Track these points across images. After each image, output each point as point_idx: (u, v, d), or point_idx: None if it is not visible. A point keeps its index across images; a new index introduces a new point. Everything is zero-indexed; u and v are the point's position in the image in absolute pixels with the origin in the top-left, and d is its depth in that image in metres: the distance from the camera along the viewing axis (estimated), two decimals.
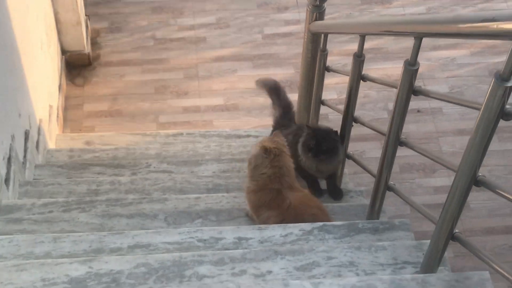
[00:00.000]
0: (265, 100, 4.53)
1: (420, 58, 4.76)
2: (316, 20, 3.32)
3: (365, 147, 4.28)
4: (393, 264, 2.30)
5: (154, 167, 3.71)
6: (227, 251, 2.34)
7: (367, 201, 3.26)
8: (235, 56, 4.76)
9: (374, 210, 2.75)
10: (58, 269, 2.26)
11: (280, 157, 2.83)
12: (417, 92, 2.33)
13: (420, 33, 2.17)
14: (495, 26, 1.63)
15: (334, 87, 4.51)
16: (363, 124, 3.09)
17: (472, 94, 4.54)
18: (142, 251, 2.53)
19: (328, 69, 3.52)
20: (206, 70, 4.67)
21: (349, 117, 3.10)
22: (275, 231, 2.60)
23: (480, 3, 5.08)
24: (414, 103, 4.50)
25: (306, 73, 3.61)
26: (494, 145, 4.33)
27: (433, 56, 4.70)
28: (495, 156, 4.28)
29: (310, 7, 3.25)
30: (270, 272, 2.27)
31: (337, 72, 3.53)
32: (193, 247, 2.55)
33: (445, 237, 2.05)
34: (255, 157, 2.86)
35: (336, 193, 3.34)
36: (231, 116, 4.47)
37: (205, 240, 2.57)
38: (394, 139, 2.48)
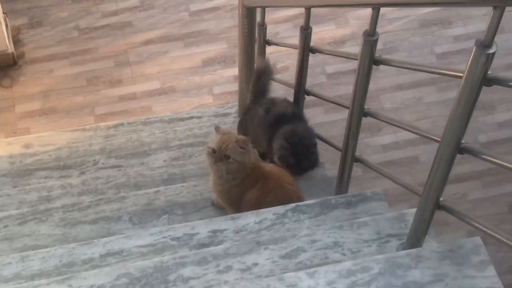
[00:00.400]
0: (201, 78, 4.45)
1: (351, 18, 4.72)
2: None
3: (309, 114, 4.24)
4: (377, 239, 2.28)
5: (103, 164, 3.59)
6: (208, 248, 2.27)
7: (329, 173, 3.23)
8: (164, 37, 4.63)
9: (343, 183, 2.71)
10: None
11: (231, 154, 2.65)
12: (378, 62, 2.29)
13: (379, 4, 2.12)
14: None
15: (270, 57, 4.43)
16: (316, 95, 3.05)
17: (406, 47, 4.54)
18: (116, 258, 2.43)
19: (269, 43, 3.46)
20: (136, 55, 4.54)
21: (301, 91, 3.05)
22: (249, 219, 2.55)
23: None
24: (350, 64, 4.49)
25: (245, 48, 3.54)
26: (434, 96, 4.36)
27: (362, 14, 4.68)
28: (437, 106, 4.30)
29: None
30: (256, 264, 2.22)
31: (279, 45, 3.47)
32: (167, 247, 2.47)
33: (431, 207, 2.03)
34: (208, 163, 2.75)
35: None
36: (169, 99, 4.36)
37: (178, 238, 2.50)
38: (358, 111, 2.43)
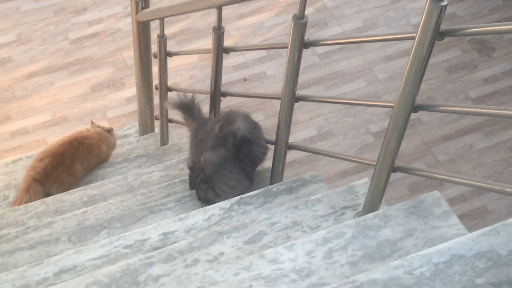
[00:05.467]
0: (92, 104, 4.40)
1: (230, 28, 4.79)
2: (143, 8, 3.27)
3: None
4: (333, 213, 2.35)
5: (14, 197, 3.48)
6: (173, 245, 2.27)
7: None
8: (47, 68, 4.55)
9: (278, 172, 2.77)
10: None
11: None
12: (307, 45, 2.37)
13: None
14: None
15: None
16: (232, 95, 3.11)
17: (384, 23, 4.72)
18: (70, 274, 2.38)
19: (170, 54, 3.48)
20: (22, 89, 4.43)
21: (217, 94, 3.09)
22: (197, 217, 2.56)
23: None
24: (239, 73, 4.58)
25: (142, 65, 3.56)
26: (483, 142, 4.41)
27: (242, 24, 4.80)
28: (489, 152, 4.34)
29: None
30: (222, 253, 2.23)
31: (181, 54, 3.51)
32: (121, 256, 2.44)
33: (387, 172, 2.12)
34: None
35: None
36: (64, 129, 4.29)
37: (130, 245, 2.47)
38: (290, 97, 2.50)
